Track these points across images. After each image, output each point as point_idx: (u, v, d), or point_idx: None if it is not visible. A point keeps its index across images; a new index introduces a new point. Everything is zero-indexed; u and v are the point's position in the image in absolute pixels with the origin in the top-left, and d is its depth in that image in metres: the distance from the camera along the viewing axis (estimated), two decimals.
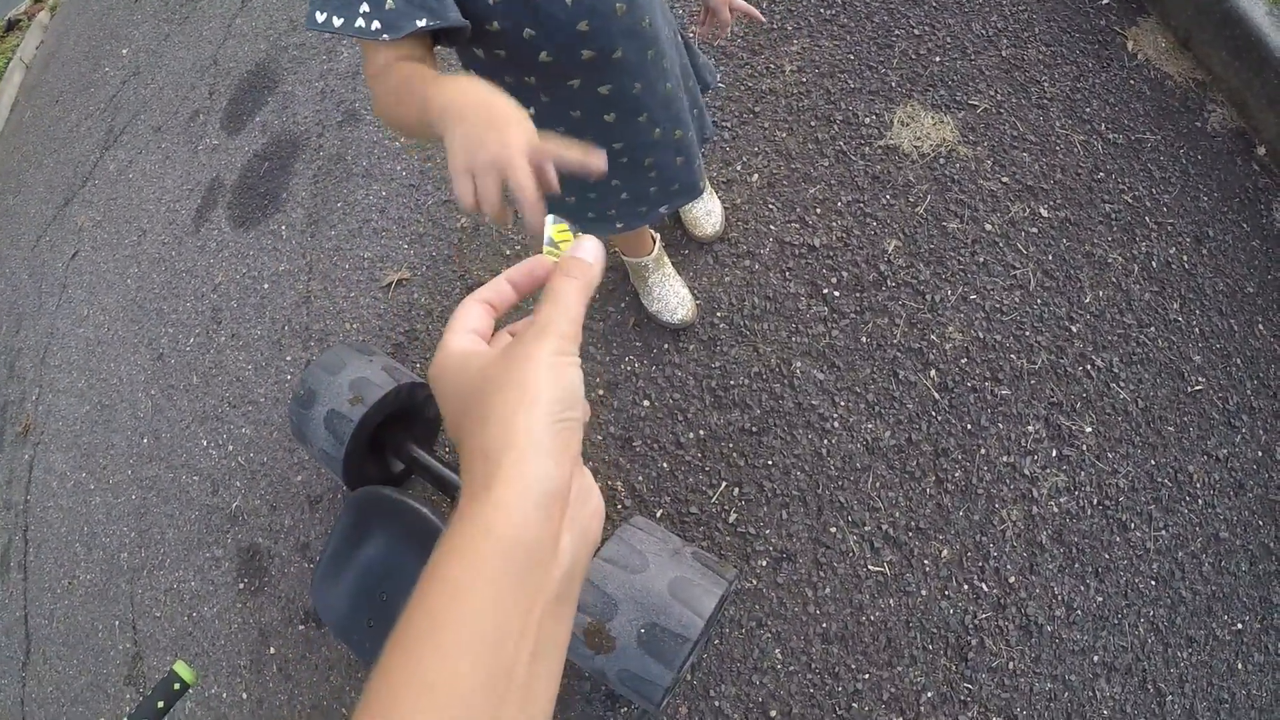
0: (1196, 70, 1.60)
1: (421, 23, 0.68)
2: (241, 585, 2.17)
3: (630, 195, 1.15)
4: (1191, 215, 1.52)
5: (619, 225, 1.22)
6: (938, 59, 1.71)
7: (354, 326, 2.24)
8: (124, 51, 4.34)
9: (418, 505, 1.35)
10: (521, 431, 0.30)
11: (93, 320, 3.16)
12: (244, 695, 2.02)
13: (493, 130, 0.47)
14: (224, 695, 2.05)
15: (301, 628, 1.95)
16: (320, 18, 0.71)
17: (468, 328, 0.36)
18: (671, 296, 1.63)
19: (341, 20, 0.69)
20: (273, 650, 1.98)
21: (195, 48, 3.85)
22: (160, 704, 1.23)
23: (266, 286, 2.52)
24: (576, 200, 1.17)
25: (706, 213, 1.67)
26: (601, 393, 1.68)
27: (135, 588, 2.51)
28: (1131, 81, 1.63)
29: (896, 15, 1.78)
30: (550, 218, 0.42)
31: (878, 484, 1.46)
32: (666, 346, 1.67)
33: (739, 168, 1.75)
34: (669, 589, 1.24)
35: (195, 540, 2.40)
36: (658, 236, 1.62)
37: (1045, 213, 1.54)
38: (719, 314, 1.64)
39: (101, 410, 2.94)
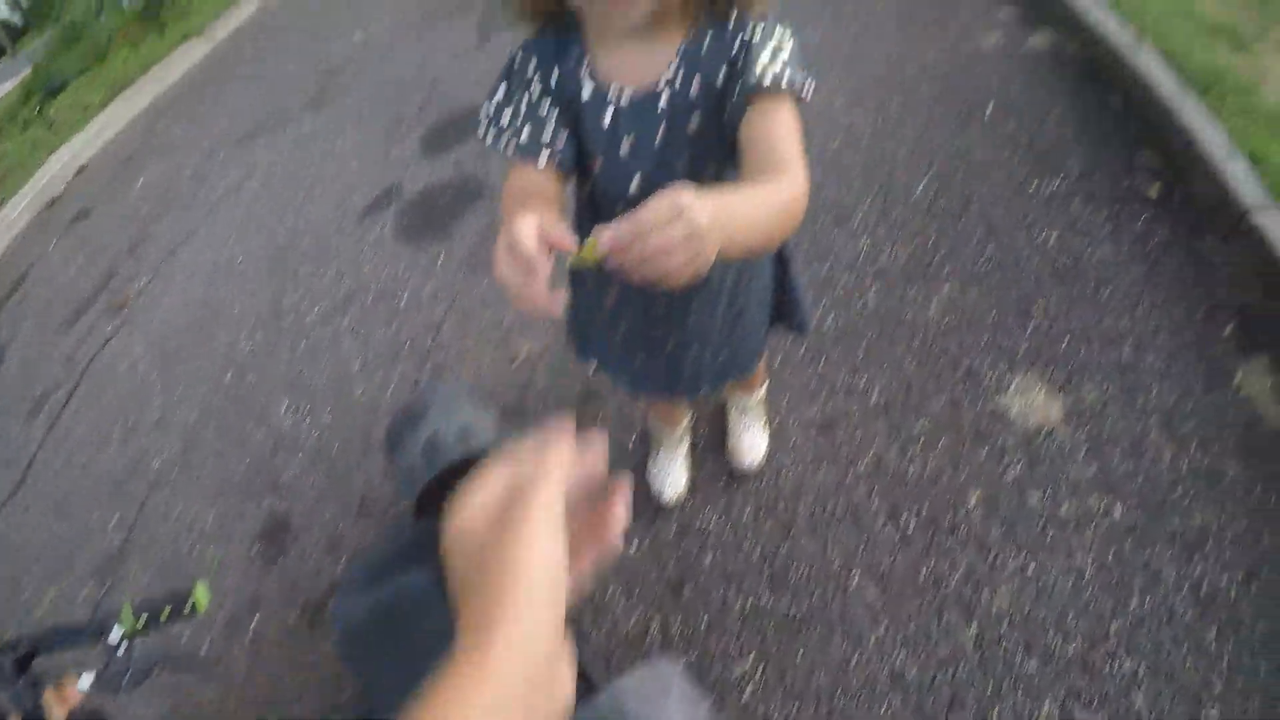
0: None
1: (535, 156, 0.97)
2: (255, 549, 2.14)
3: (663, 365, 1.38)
4: (1250, 552, 1.55)
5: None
6: (1065, 341, 1.85)
7: (470, 374, 2.30)
8: (357, 36, 4.63)
9: None
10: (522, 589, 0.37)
11: (232, 248, 3.20)
12: (204, 647, 1.97)
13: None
14: (185, 634, 2.00)
15: (294, 618, 1.94)
16: (480, 131, 1.03)
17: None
18: (668, 476, 1.81)
19: (490, 139, 1.01)
20: (255, 623, 1.97)
21: (423, 62, 4.04)
22: (166, 610, 1.15)
23: (405, 299, 2.60)
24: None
25: (750, 446, 1.81)
26: (674, 533, 1.79)
27: (152, 496, 2.43)
28: (1230, 412, 1.71)
29: (1043, 289, 1.93)
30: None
31: (889, 714, 1.49)
32: (746, 518, 1.79)
33: (863, 380, 1.90)
34: None
35: (232, 485, 2.34)
36: (685, 422, 1.83)
37: (1119, 514, 1.67)
38: (803, 503, 1.76)
39: (201, 328, 2.92)
